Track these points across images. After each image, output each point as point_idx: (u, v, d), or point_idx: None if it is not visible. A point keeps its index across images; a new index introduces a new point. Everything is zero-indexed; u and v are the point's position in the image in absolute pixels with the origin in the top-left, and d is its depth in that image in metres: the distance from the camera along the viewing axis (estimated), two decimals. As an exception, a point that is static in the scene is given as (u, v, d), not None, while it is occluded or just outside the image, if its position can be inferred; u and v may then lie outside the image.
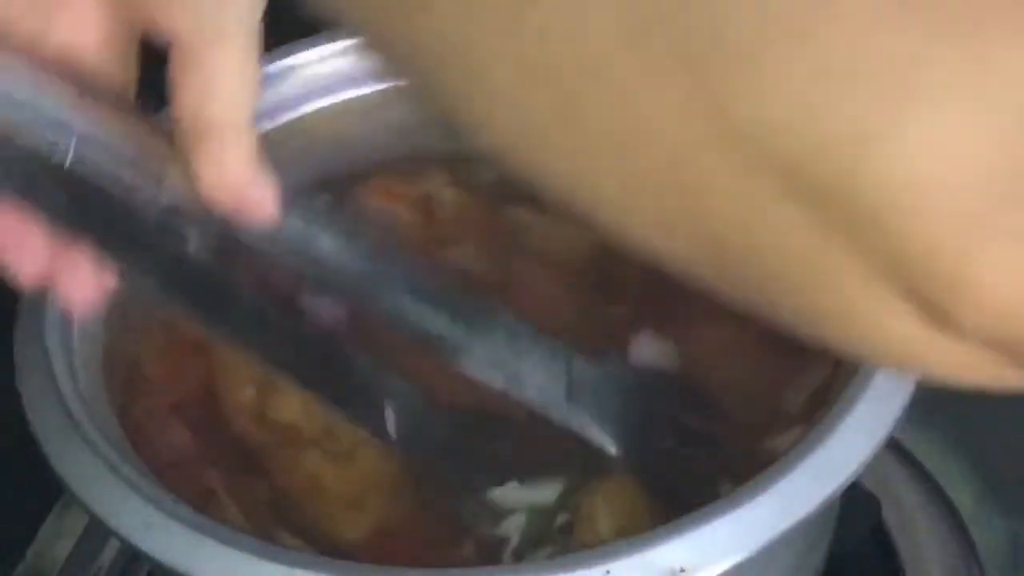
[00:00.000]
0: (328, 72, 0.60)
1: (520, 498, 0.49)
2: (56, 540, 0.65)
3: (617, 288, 0.56)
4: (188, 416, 0.53)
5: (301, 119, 0.60)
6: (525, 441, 0.51)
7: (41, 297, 0.49)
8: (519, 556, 0.48)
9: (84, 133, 0.40)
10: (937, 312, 0.24)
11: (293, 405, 0.53)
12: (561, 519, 0.48)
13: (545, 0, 0.24)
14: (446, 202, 0.62)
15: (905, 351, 0.26)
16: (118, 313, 0.53)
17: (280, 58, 0.59)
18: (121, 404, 0.52)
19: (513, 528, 0.48)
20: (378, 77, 0.61)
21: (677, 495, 0.46)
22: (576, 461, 0.50)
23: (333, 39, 0.60)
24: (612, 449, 0.47)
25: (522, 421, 0.51)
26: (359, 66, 0.61)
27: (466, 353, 0.46)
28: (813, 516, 0.42)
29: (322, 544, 0.48)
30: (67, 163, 0.40)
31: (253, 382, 0.54)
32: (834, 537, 0.53)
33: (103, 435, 0.45)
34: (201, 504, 0.48)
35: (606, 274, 0.57)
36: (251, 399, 0.53)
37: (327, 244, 0.44)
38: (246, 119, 0.41)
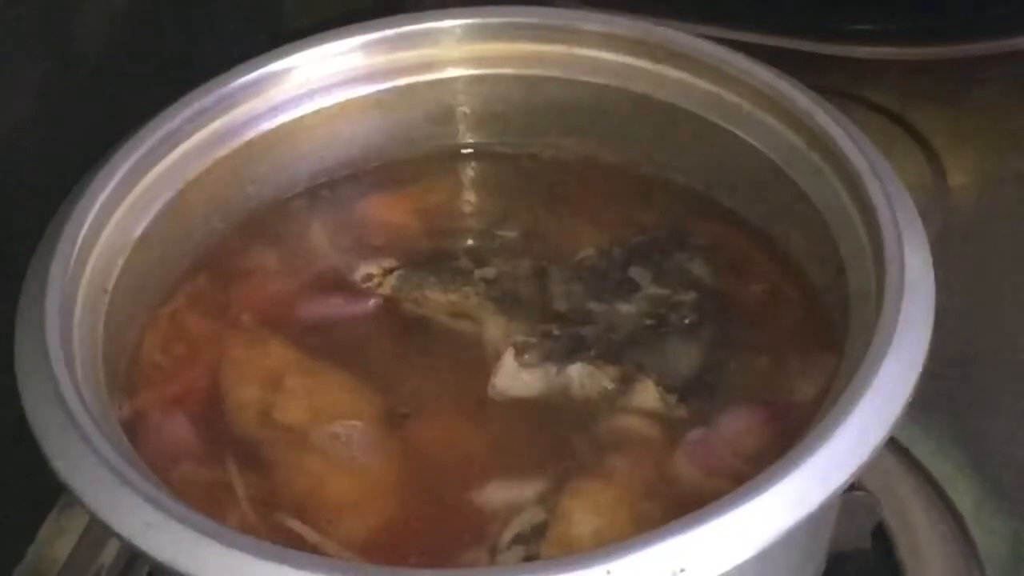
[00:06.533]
0: (328, 72, 0.60)
1: (500, 497, 0.49)
2: (56, 540, 0.65)
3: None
4: (190, 411, 0.53)
5: (301, 119, 0.60)
6: (506, 440, 0.52)
7: (41, 296, 0.49)
8: (492, 553, 0.48)
9: None
10: None
11: (299, 405, 0.53)
12: (537, 519, 0.49)
13: None
14: (452, 211, 0.62)
15: None
16: (119, 309, 0.53)
17: (280, 58, 0.59)
18: (122, 400, 0.52)
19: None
20: (378, 77, 0.61)
21: None
22: (555, 461, 0.50)
23: (333, 39, 0.60)
24: None
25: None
26: (359, 66, 0.61)
27: None
28: (813, 516, 0.42)
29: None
30: None
31: (258, 381, 0.54)
32: (834, 537, 0.53)
33: (103, 435, 0.45)
34: (203, 501, 0.48)
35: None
36: (256, 398, 0.53)
37: None
38: None
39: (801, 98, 0.55)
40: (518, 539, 0.48)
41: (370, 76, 0.61)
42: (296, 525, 0.49)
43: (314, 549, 0.48)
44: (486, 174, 0.64)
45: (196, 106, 0.57)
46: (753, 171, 0.57)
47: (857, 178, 0.51)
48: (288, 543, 0.45)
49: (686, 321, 0.55)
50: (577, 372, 0.53)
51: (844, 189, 0.52)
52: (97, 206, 0.53)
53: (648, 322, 0.55)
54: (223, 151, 0.58)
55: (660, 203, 0.60)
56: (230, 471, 0.51)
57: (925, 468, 0.65)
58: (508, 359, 0.54)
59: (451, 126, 0.63)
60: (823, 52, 0.84)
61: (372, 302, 0.57)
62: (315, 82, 0.60)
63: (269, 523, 0.49)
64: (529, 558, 0.48)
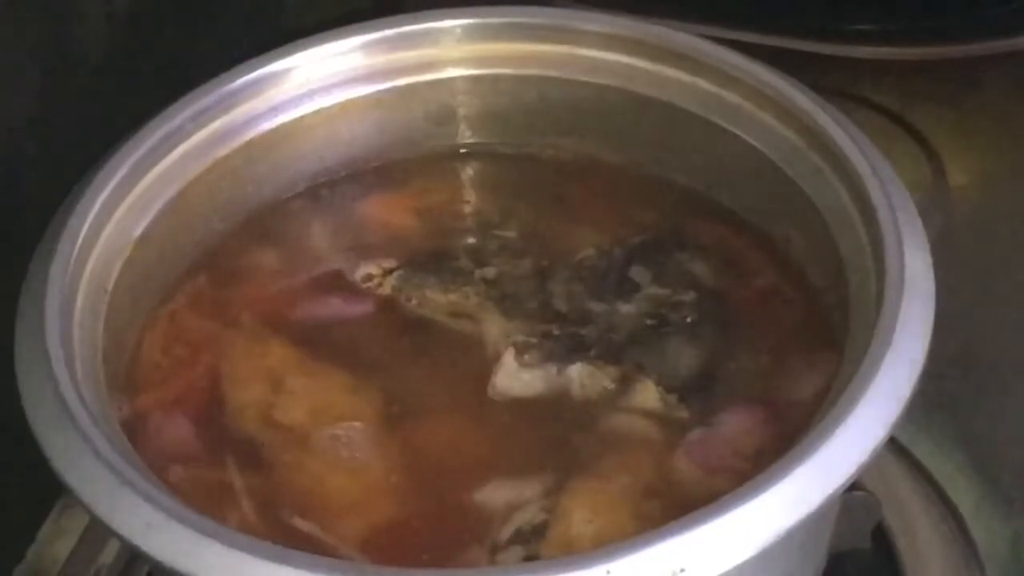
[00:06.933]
0: (328, 72, 0.60)
1: (500, 496, 0.49)
2: (56, 540, 0.65)
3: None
4: (190, 411, 0.53)
5: (301, 119, 0.60)
6: (506, 440, 0.52)
7: (41, 296, 0.49)
8: (492, 552, 0.48)
9: None
10: None
11: (299, 405, 0.53)
12: (537, 519, 0.49)
13: None
14: (452, 211, 0.62)
15: None
16: (119, 309, 0.53)
17: (280, 58, 0.59)
18: (122, 400, 0.52)
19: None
20: (378, 77, 0.61)
21: None
22: (555, 461, 0.50)
23: (333, 39, 0.60)
24: None
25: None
26: (359, 66, 0.61)
27: None
28: (813, 516, 0.42)
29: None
30: None
31: (258, 381, 0.54)
32: (834, 537, 0.53)
33: (103, 435, 0.45)
34: (203, 501, 0.48)
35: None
36: (256, 398, 0.53)
37: None
38: None
39: (801, 98, 0.55)
40: (518, 539, 0.48)
41: (370, 76, 0.61)
42: (302, 523, 0.49)
43: (319, 546, 0.48)
44: (486, 174, 0.64)
45: (196, 106, 0.57)
46: (753, 171, 0.57)
47: (857, 178, 0.51)
48: (288, 543, 0.45)
49: (687, 321, 0.55)
50: (577, 372, 0.53)
51: (844, 189, 0.52)
52: (97, 206, 0.53)
53: (648, 322, 0.55)
54: (223, 151, 0.58)
55: (660, 203, 0.60)
56: (230, 471, 0.51)
57: (925, 468, 0.65)
58: (508, 359, 0.54)
59: (451, 126, 0.63)
60: (823, 52, 0.84)
61: (372, 302, 0.57)
62: (315, 82, 0.60)
63: (269, 523, 0.49)
64: (529, 558, 0.48)
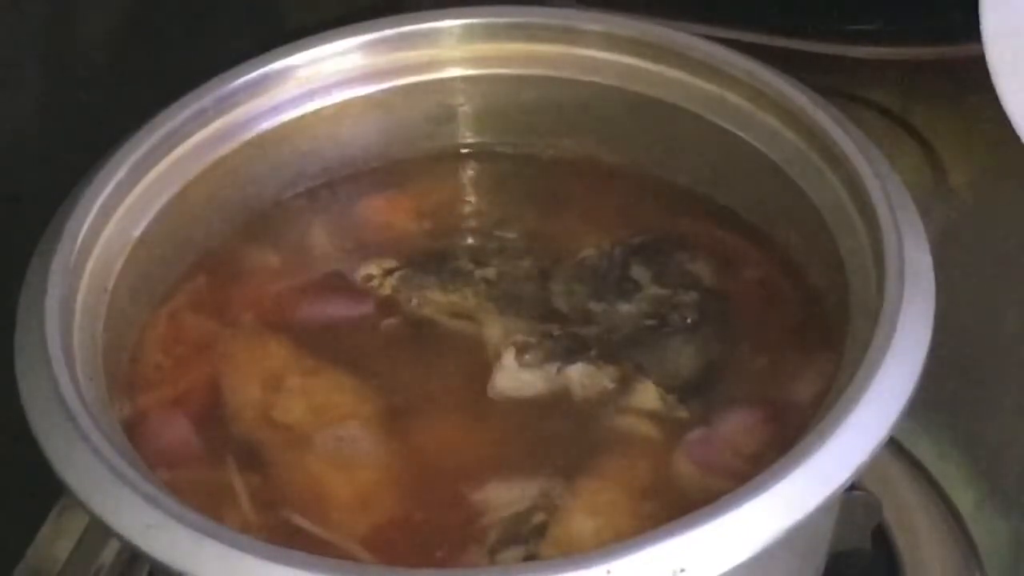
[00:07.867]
0: (328, 72, 0.60)
1: (499, 496, 0.49)
2: (56, 540, 0.65)
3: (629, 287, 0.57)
4: (190, 411, 0.53)
5: (301, 119, 0.60)
6: (506, 440, 0.52)
7: (41, 296, 0.49)
8: (492, 554, 0.48)
9: None
10: None
11: (300, 405, 0.53)
12: (536, 519, 0.49)
13: None
14: (452, 211, 0.62)
15: None
16: (119, 309, 0.53)
17: (280, 58, 0.59)
18: (122, 400, 0.52)
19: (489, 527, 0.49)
20: (378, 77, 0.61)
21: None
22: (555, 461, 0.50)
23: (333, 39, 0.60)
24: None
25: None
26: (359, 66, 0.61)
27: None
28: (813, 516, 0.42)
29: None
30: None
31: (258, 381, 0.54)
32: (834, 537, 0.53)
33: (103, 435, 0.45)
34: (203, 501, 0.48)
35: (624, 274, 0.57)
36: (256, 398, 0.53)
37: None
38: None
39: (801, 98, 0.55)
40: (518, 539, 0.48)
41: (370, 76, 0.61)
42: (302, 521, 0.49)
43: (319, 546, 0.48)
44: (486, 174, 0.64)
45: (196, 106, 0.57)
46: (753, 171, 0.57)
47: (857, 178, 0.51)
48: (288, 543, 0.46)
49: (687, 321, 0.55)
50: (577, 372, 0.53)
51: (844, 189, 0.52)
52: (97, 206, 0.53)
53: (649, 322, 0.55)
54: (223, 151, 0.58)
55: (660, 203, 0.60)
56: (230, 471, 0.51)
57: (925, 468, 0.65)
58: (508, 359, 0.54)
59: (451, 126, 0.63)
60: (823, 52, 0.84)
61: (372, 302, 0.57)
62: (315, 82, 0.60)
63: (269, 523, 0.49)
64: (529, 558, 0.48)
